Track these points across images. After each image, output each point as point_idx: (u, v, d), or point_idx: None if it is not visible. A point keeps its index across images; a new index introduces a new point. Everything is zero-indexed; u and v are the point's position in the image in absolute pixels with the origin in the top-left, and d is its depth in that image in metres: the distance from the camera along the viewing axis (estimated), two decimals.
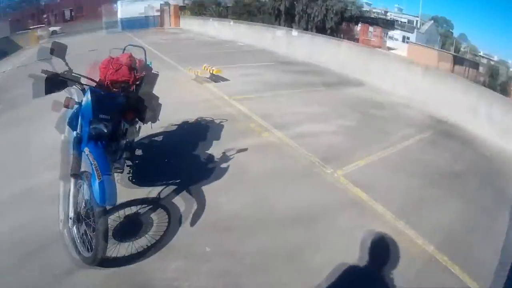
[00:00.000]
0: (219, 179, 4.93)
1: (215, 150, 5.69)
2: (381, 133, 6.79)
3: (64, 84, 3.58)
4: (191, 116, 7.07)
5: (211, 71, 9.83)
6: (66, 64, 3.65)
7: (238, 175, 5.05)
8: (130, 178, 4.81)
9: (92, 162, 3.24)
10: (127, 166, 4.65)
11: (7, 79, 12.05)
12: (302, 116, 7.34)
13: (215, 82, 9.84)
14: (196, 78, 10.12)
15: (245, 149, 5.64)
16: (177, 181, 4.82)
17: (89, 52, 12.79)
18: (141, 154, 5.48)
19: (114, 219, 3.90)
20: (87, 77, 3.77)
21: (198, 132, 6.48)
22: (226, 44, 16.62)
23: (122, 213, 4.07)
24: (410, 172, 5.44)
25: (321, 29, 18.23)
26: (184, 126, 6.70)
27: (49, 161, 5.04)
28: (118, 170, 4.11)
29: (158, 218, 4.08)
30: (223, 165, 5.22)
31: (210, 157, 5.50)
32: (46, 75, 3.46)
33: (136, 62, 4.67)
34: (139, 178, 4.83)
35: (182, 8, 30.82)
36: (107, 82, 4.60)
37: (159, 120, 4.73)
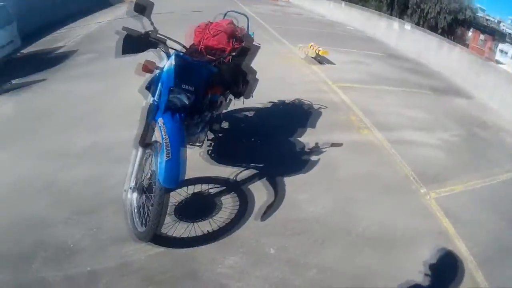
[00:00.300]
0: (305, 172, 4.35)
1: (308, 138, 5.10)
2: (482, 158, 5.62)
3: (146, 45, 3.17)
4: (289, 96, 6.49)
5: (317, 51, 9.09)
6: (152, 23, 3.24)
7: (327, 172, 4.42)
8: (210, 152, 4.45)
9: (164, 136, 2.85)
10: (209, 140, 4.30)
11: (103, 30, 12.34)
12: (405, 119, 6.40)
13: (320, 63, 9.11)
14: (305, 57, 9.47)
15: (340, 145, 4.99)
16: (260, 165, 4.35)
17: (191, 13, 12.73)
18: (228, 128, 5.10)
19: (180, 193, 3.57)
20: (174, 40, 3.32)
21: (294, 115, 5.92)
22: (335, 26, 15.63)
23: (190, 189, 3.71)
24: (504, 213, 4.40)
25: (432, 27, 16.42)
26: (280, 106, 6.17)
27: (128, 119, 4.80)
28: (197, 144, 3.72)
29: (228, 203, 3.65)
30: (313, 158, 4.63)
31: (301, 145, 4.93)
32: (125, 33, 3.09)
33: (237, 30, 4.27)
34: (219, 154, 4.45)
35: None
36: (201, 47, 4.22)
37: (252, 97, 4.23)
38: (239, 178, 4.05)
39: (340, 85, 7.56)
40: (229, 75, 3.53)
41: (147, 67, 3.09)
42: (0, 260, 2.96)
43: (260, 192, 3.88)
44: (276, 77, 7.62)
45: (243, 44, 4.14)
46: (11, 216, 3.41)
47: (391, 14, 16.02)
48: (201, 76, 3.23)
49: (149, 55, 3.30)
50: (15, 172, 4.12)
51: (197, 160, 4.27)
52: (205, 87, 3.39)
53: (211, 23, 4.40)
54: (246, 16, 4.66)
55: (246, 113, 5.64)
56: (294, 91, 6.88)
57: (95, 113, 5.46)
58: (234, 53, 3.78)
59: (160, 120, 2.95)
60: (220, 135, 4.74)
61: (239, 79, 3.90)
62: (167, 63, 3.14)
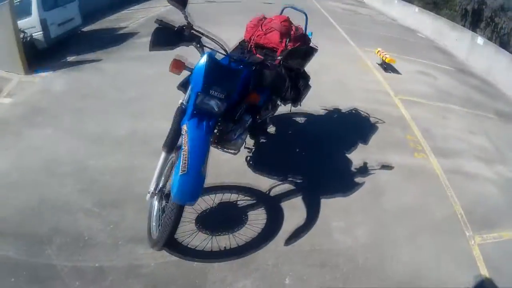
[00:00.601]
0: (347, 196, 3.93)
1: (358, 156, 4.66)
2: None
3: (178, 41, 2.88)
4: (346, 104, 6.05)
5: (384, 58, 8.45)
6: (186, 16, 2.91)
7: (370, 199, 3.96)
8: (248, 159, 4.17)
9: (183, 147, 2.57)
10: (246, 147, 3.91)
11: (169, 14, 11.78)
12: (464, 146, 5.65)
13: (384, 71, 8.46)
14: (370, 62, 8.92)
15: (391, 168, 4.49)
16: (298, 180, 4.01)
17: (260, 4, 12.35)
18: (273, 133, 4.79)
19: (206, 201, 3.39)
20: (211, 37, 2.95)
21: (347, 127, 5.45)
22: (405, 31, 14.59)
23: (218, 197, 3.50)
24: None
25: (505, 44, 14.91)
26: (334, 115, 5.73)
27: (172, 110, 4.54)
28: (231, 151, 3.39)
29: (254, 219, 3.36)
30: (359, 180, 4.19)
31: (348, 163, 4.50)
32: (157, 26, 2.85)
33: (291, 29, 3.93)
34: (258, 162, 4.15)
35: None
36: (251, 45, 3.93)
37: (300, 105, 3.97)
38: (272, 192, 3.75)
39: (402, 97, 6.94)
40: (272, 81, 3.14)
41: (176, 67, 2.85)
42: (19, 239, 2.98)
43: (292, 211, 3.55)
44: (335, 80, 7.24)
45: (292, 47, 3.81)
46: (38, 197, 3.44)
47: (464, 25, 14.74)
48: (235, 81, 2.89)
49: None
50: (53, 151, 4.15)
51: (239, 164, 4.04)
52: (241, 94, 3.07)
53: (265, 18, 4.11)
54: (305, 13, 4.28)
55: (297, 118, 5.30)
56: (352, 98, 6.42)
57: (141, 99, 5.37)
58: (280, 57, 3.45)
59: (184, 127, 2.68)
60: (264, 141, 4.48)
61: (285, 86, 3.58)
62: (199, 63, 2.84)
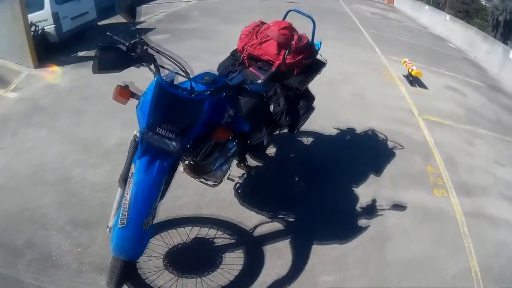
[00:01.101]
0: (345, 243, 3.38)
1: (366, 191, 4.11)
2: None
3: (129, 61, 2.39)
4: (362, 123, 5.53)
5: (410, 70, 7.82)
6: (132, 33, 2.46)
7: (372, 247, 3.42)
8: (237, 187, 3.73)
9: (125, 195, 2.14)
10: (229, 178, 3.25)
11: (189, 9, 11.57)
12: (490, 180, 4.96)
13: (410, 84, 7.86)
14: (395, 74, 8.36)
15: (403, 208, 3.94)
16: (290, 218, 3.53)
17: (282, 4, 11.81)
18: (272, 156, 4.35)
19: (180, 234, 3.07)
20: (168, 57, 2.41)
21: (359, 153, 4.85)
22: (435, 40, 13.89)
23: (194, 231, 3.14)
24: None
25: None
26: (347, 137, 5.19)
27: None
28: (209, 184, 2.93)
29: (229, 262, 2.95)
30: (362, 222, 3.65)
31: (353, 200, 3.95)
32: (102, 44, 2.39)
33: (293, 38, 3.35)
34: (247, 192, 3.72)
35: None
36: (244, 56, 3.44)
37: (296, 131, 3.52)
38: (257, 231, 3.30)
39: (427, 117, 6.35)
40: (249, 112, 2.64)
41: (120, 95, 2.36)
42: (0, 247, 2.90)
43: (275, 257, 3.09)
44: (354, 93, 6.75)
45: (298, 58, 3.32)
46: (20, 205, 3.31)
47: (494, 36, 13.99)
48: (194, 113, 2.31)
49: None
50: (43, 155, 4.04)
51: (225, 194, 3.64)
52: (212, 124, 2.51)
53: (263, 24, 3.55)
54: (311, 18, 3.67)
55: (303, 138, 4.82)
56: (371, 115, 5.91)
57: None
58: (261, 80, 2.98)
59: (132, 166, 2.22)
60: (259, 166, 4.03)
61: (268, 116, 3.15)
62: (144, 92, 2.36)
